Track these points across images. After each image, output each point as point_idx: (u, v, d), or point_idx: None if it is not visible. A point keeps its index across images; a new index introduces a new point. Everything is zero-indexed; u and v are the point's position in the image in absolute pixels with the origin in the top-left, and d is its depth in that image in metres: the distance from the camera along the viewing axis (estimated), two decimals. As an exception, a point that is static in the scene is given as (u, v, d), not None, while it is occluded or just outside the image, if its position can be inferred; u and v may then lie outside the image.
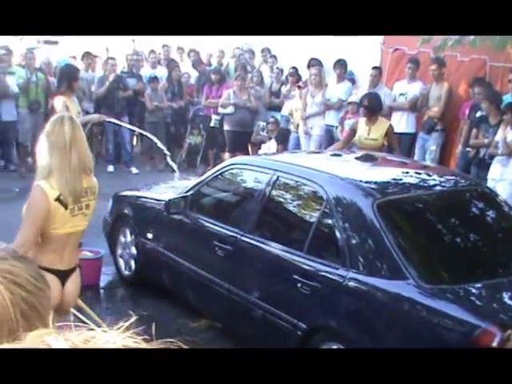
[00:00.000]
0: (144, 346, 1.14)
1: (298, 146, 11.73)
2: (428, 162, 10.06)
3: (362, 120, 8.67)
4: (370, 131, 8.48)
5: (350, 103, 10.82)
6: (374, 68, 11.30)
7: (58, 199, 4.33)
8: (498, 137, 8.73)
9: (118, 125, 10.05)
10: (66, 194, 4.35)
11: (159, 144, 9.18)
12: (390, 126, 8.79)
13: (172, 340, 1.34)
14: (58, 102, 8.27)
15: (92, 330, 1.13)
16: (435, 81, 10.39)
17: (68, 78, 8.59)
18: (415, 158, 10.44)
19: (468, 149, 9.48)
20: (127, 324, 1.16)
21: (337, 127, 11.26)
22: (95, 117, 8.86)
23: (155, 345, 1.17)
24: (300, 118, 11.75)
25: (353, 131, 8.78)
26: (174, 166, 9.05)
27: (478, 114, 9.45)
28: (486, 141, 9.03)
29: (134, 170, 13.07)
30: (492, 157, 8.84)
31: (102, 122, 9.12)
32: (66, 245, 4.51)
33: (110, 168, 12.98)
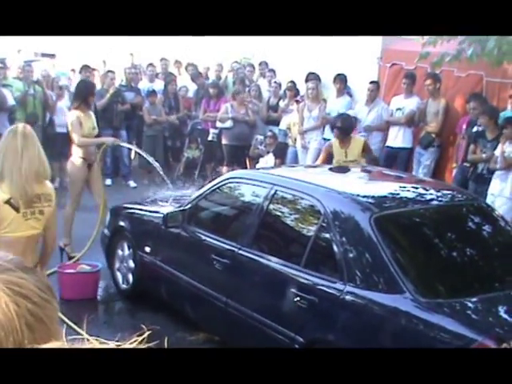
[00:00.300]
0: None
1: (295, 160, 11.75)
2: (422, 176, 10.11)
3: (336, 142, 8.72)
4: (346, 154, 8.54)
5: None
6: (372, 82, 11.34)
7: (8, 202, 4.57)
8: (498, 151, 8.76)
9: (129, 149, 9.98)
10: (16, 198, 4.58)
11: (155, 164, 9.21)
12: (365, 142, 8.86)
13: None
14: (72, 116, 8.38)
15: (104, 343, 1.16)
16: (431, 96, 10.43)
17: (84, 93, 8.67)
18: (413, 172, 10.47)
19: (466, 164, 9.53)
20: (141, 338, 1.19)
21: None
22: (110, 140, 8.91)
23: None
24: (297, 132, 11.79)
25: (328, 153, 8.84)
26: (167, 180, 9.08)
27: (475, 129, 9.50)
28: (483, 156, 9.05)
29: (132, 184, 13.09)
30: (491, 172, 8.87)
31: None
32: (26, 248, 4.71)
33: (108, 181, 12.99)
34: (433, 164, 10.44)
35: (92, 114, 8.72)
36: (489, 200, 8.66)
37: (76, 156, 8.37)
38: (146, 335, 1.22)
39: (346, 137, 8.64)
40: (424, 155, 10.51)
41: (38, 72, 13.84)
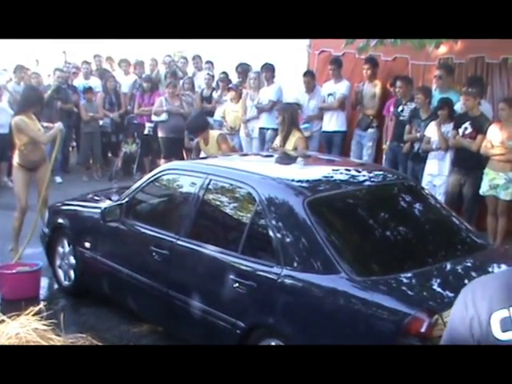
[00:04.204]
0: (50, 333, 1.27)
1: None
2: (365, 159, 10.32)
3: (201, 140, 8.89)
4: (208, 150, 8.68)
5: None
6: (306, 74, 11.45)
7: None
8: (430, 132, 8.97)
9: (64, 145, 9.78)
10: None
11: None
12: (219, 135, 8.96)
13: (83, 335, 1.46)
14: (18, 120, 8.31)
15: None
16: (368, 80, 10.66)
17: (32, 100, 8.60)
18: (352, 154, 10.69)
19: (395, 143, 9.74)
20: (37, 309, 1.28)
21: (268, 129, 11.44)
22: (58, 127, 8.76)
23: (66, 337, 1.29)
24: (238, 120, 11.91)
25: (198, 150, 8.95)
26: None
27: (400, 108, 9.75)
28: (418, 135, 9.29)
29: (58, 180, 12.93)
30: (425, 151, 9.10)
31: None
32: None
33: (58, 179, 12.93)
34: (374, 145, 10.67)
35: (33, 116, 8.62)
36: (426, 179, 8.90)
37: (15, 162, 8.45)
38: (41, 305, 1.32)
39: (200, 135, 8.82)
40: (365, 137, 10.75)
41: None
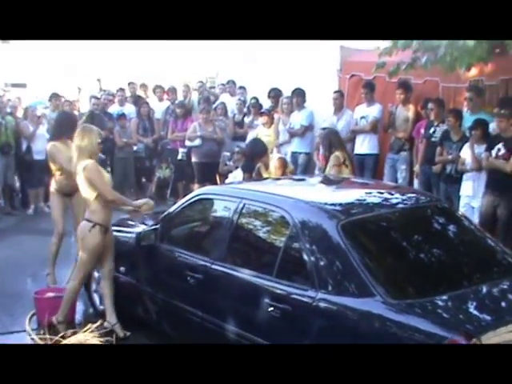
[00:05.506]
0: None
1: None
2: (400, 182, 10.30)
3: (261, 166, 8.82)
4: (269, 175, 8.66)
5: None
6: (336, 92, 11.56)
7: None
8: (465, 153, 8.93)
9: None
10: None
11: None
12: (277, 159, 8.97)
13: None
14: (51, 147, 8.41)
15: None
16: (401, 103, 10.67)
17: (64, 124, 8.70)
18: (385, 177, 10.69)
19: (433, 166, 9.71)
20: (94, 326, 1.32)
21: (300, 153, 11.52)
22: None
23: None
24: (270, 145, 11.97)
25: (260, 176, 8.94)
26: None
27: (432, 130, 9.73)
28: (450, 157, 9.27)
29: None
30: (459, 172, 9.07)
31: None
32: None
33: None
34: (408, 168, 10.65)
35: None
36: (464, 201, 8.85)
37: (52, 188, 8.54)
38: (98, 323, 1.36)
39: (259, 160, 8.77)
40: (398, 160, 10.74)
41: (8, 102, 14.13)
